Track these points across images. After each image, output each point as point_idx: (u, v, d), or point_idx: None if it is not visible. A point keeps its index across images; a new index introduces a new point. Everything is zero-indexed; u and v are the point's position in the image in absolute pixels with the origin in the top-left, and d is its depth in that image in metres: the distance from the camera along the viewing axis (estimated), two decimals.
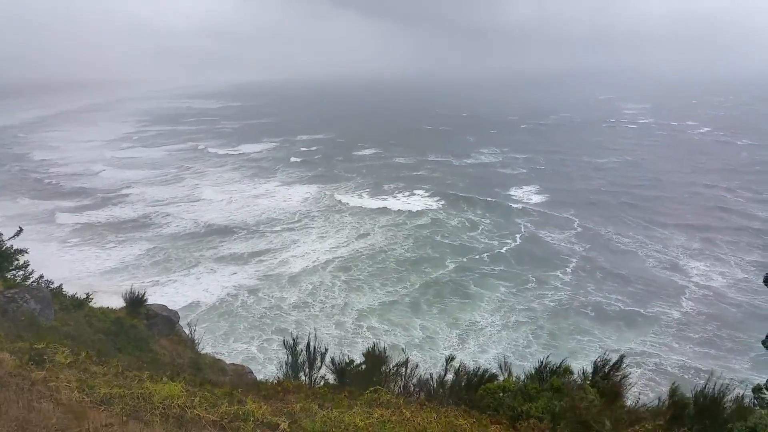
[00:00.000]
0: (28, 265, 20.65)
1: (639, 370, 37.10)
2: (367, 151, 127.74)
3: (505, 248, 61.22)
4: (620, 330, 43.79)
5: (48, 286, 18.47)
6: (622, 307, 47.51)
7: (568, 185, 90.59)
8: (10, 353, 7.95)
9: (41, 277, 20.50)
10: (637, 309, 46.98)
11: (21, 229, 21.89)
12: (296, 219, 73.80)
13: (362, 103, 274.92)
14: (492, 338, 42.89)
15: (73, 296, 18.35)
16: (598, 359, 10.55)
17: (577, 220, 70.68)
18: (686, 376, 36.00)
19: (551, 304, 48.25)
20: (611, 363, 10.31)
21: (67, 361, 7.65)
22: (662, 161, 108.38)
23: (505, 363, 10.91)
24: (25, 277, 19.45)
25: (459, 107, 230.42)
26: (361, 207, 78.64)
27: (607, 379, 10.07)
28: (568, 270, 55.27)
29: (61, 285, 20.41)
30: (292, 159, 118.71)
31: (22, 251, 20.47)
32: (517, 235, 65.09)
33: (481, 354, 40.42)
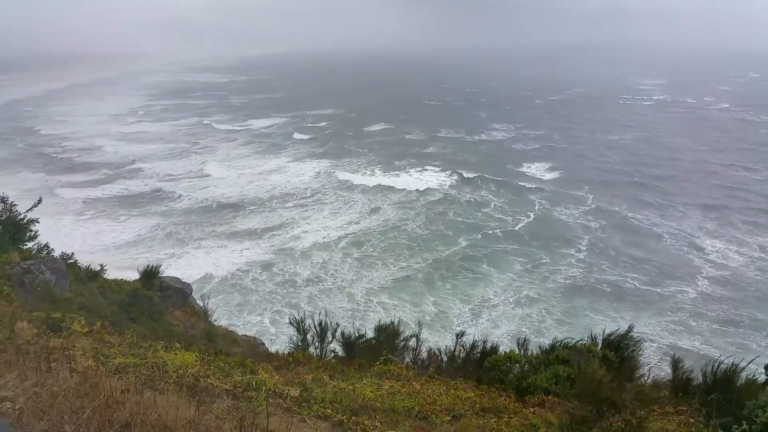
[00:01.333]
0: (38, 235, 20.90)
1: (654, 346, 36.89)
2: (377, 127, 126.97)
3: (518, 225, 60.86)
4: (637, 308, 43.46)
5: (63, 258, 18.74)
6: (638, 285, 47.17)
7: (582, 162, 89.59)
8: (28, 322, 8.11)
9: (52, 249, 20.79)
10: (652, 288, 46.56)
11: (41, 200, 22.07)
12: (307, 195, 73.77)
13: (371, 77, 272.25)
14: (505, 314, 42.95)
15: (87, 268, 18.60)
16: (606, 330, 10.53)
17: (591, 197, 70.02)
18: (703, 354, 35.90)
19: (566, 281, 48.09)
20: (620, 333, 10.27)
21: (83, 331, 7.79)
22: (678, 138, 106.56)
23: (522, 339, 10.94)
24: (40, 249, 19.72)
25: (470, 82, 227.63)
26: (372, 183, 78.34)
27: (617, 351, 10.05)
28: (582, 247, 54.95)
29: (72, 254, 20.66)
30: (302, 135, 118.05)
31: (34, 221, 20.72)
32: (531, 213, 64.61)
33: (494, 329, 40.47)
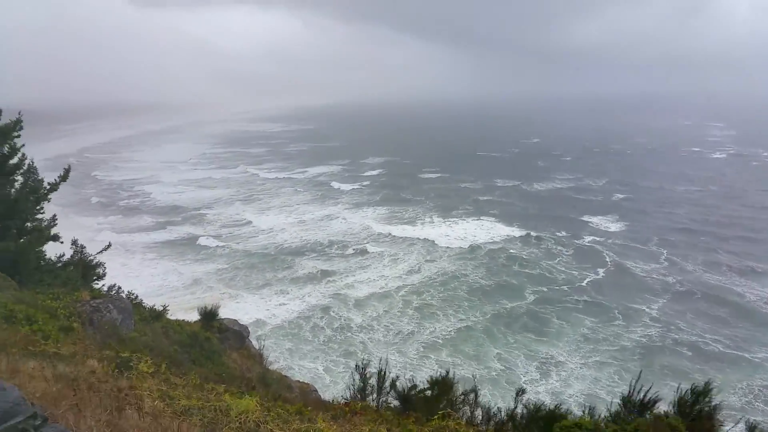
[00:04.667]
0: (105, 275, 22.00)
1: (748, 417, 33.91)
2: (432, 175, 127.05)
3: (586, 280, 58.19)
4: (724, 372, 40.22)
5: (129, 298, 19.51)
6: (722, 348, 43.81)
7: (649, 215, 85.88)
8: (98, 360, 8.40)
9: (119, 289, 21.76)
10: (738, 353, 43.08)
11: (110, 244, 23.36)
12: (365, 242, 73.78)
13: (426, 126, 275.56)
14: (574, 374, 40.58)
15: (151, 308, 19.22)
16: (681, 389, 9.85)
17: (664, 252, 66.59)
18: None
19: (640, 340, 45.31)
20: (698, 392, 9.56)
21: (150, 371, 8.00)
22: (752, 194, 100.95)
23: (590, 407, 10.39)
24: (109, 289, 20.65)
25: (527, 132, 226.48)
26: (428, 232, 77.51)
27: (694, 415, 9.36)
28: (657, 306, 51.88)
29: (137, 296, 21.54)
30: (357, 183, 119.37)
31: (101, 264, 21.86)
32: (599, 268, 61.84)
33: (565, 389, 38.45)
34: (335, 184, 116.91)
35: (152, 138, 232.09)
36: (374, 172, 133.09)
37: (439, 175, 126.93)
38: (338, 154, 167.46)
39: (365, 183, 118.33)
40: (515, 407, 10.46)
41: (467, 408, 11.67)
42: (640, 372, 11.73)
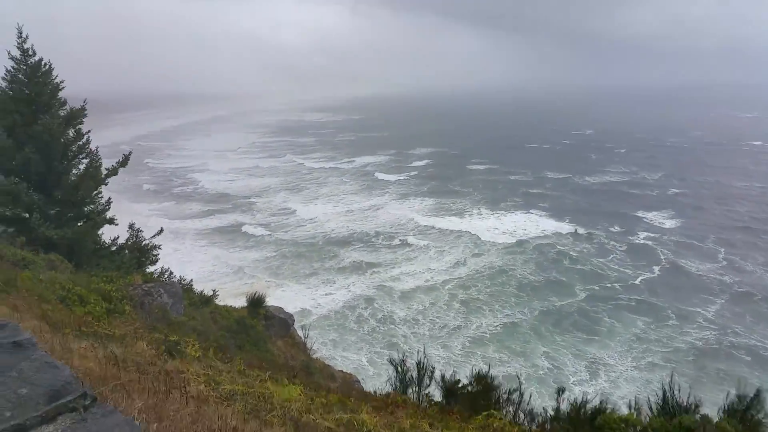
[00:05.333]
0: (158, 260, 22.73)
1: None
2: (480, 166, 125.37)
3: (639, 278, 56.24)
4: None
5: (180, 283, 20.02)
6: None
7: (706, 211, 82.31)
8: (148, 343, 8.58)
9: (172, 274, 22.42)
10: None
11: (162, 229, 24.11)
12: (411, 233, 73.54)
13: (475, 116, 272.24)
14: (624, 375, 39.48)
15: (201, 293, 19.67)
16: (732, 393, 9.41)
17: (722, 250, 63.84)
18: None
19: (696, 342, 43.55)
20: (749, 399, 9.13)
21: (197, 355, 8.12)
22: None
23: (636, 402, 10.04)
24: (161, 273, 21.31)
25: (579, 123, 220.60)
26: (476, 224, 76.60)
27: (744, 420, 8.93)
28: (714, 307, 49.76)
29: (190, 280, 22.13)
30: (405, 173, 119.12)
31: (156, 246, 22.62)
32: (654, 265, 59.69)
33: (614, 390, 37.32)
34: (382, 175, 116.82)
35: (202, 127, 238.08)
36: (422, 163, 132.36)
37: (487, 166, 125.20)
38: (386, 144, 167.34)
39: (413, 173, 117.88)
40: (558, 406, 10.20)
41: (511, 407, 11.47)
42: (672, 374, 11.28)
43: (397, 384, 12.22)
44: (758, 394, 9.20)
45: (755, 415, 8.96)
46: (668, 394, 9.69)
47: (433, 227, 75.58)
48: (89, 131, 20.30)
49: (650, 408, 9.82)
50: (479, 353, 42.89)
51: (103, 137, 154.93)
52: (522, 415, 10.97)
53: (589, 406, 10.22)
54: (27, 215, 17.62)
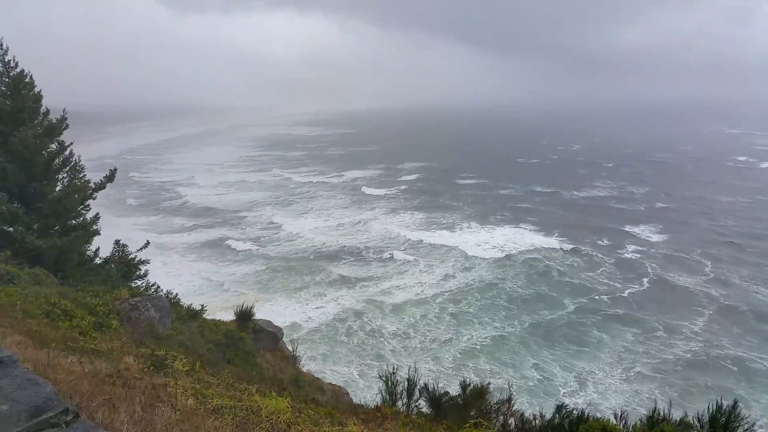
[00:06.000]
0: (147, 274, 22.55)
1: None
2: (470, 181, 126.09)
3: (627, 291, 56.62)
4: None
5: (168, 297, 19.86)
6: None
7: (693, 225, 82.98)
8: (135, 357, 8.51)
9: (157, 287, 22.25)
10: None
11: (148, 242, 23.97)
12: (401, 247, 73.47)
13: (464, 132, 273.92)
14: (612, 387, 39.62)
15: (189, 307, 19.52)
16: (711, 405, 9.52)
17: (708, 263, 64.43)
18: None
19: (684, 355, 43.76)
20: (727, 410, 9.24)
21: (184, 369, 8.07)
22: None
23: (621, 412, 10.11)
24: (147, 287, 21.14)
25: (567, 138, 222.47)
26: (466, 238, 76.75)
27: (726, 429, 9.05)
28: (702, 319, 50.12)
29: (176, 294, 21.95)
30: (395, 187, 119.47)
31: (144, 261, 22.46)
32: (643, 278, 60.23)
33: (602, 401, 37.54)
34: (372, 189, 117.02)
35: (192, 141, 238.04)
36: (411, 177, 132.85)
37: (477, 181, 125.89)
38: (376, 159, 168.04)
39: (402, 188, 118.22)
40: (552, 419, 10.23)
41: (501, 417, 11.49)
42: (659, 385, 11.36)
43: (387, 396, 12.22)
44: (734, 404, 9.36)
45: (735, 426, 9.07)
46: (655, 405, 9.78)
47: (423, 241, 75.58)
48: (71, 144, 20.17)
49: (639, 419, 9.90)
50: (471, 365, 42.92)
51: (92, 150, 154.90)
52: (512, 424, 10.99)
53: (573, 415, 10.28)
54: (11, 228, 17.39)
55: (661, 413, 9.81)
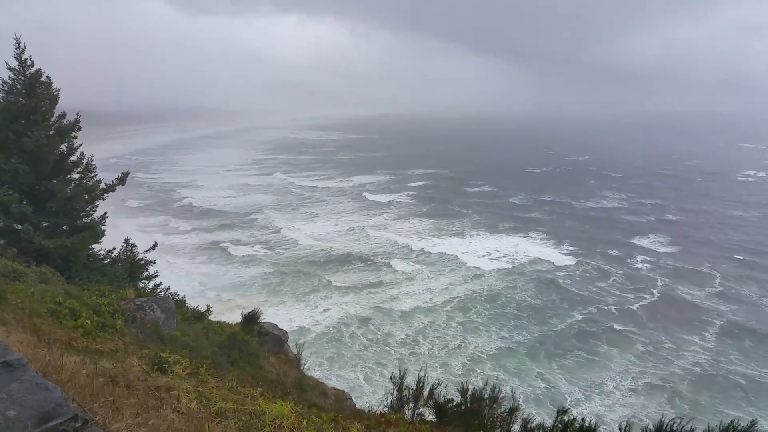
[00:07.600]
0: (156, 275, 22.56)
1: None
2: (479, 188, 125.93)
3: (636, 304, 56.15)
4: None
5: (173, 297, 19.85)
6: None
7: (702, 238, 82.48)
8: (138, 359, 8.46)
9: (168, 288, 22.25)
10: None
11: (156, 244, 24.00)
12: (409, 254, 73.26)
13: (474, 140, 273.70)
14: (620, 400, 39.23)
15: (194, 309, 19.49)
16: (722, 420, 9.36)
17: (717, 277, 63.94)
18: None
19: (693, 368, 43.37)
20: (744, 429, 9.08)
21: (187, 372, 8.01)
22: None
23: (626, 425, 9.95)
24: (154, 288, 21.15)
25: (579, 149, 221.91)
26: (476, 246, 76.52)
27: None
28: (712, 333, 49.73)
29: (183, 296, 21.96)
30: (406, 192, 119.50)
31: (151, 262, 22.47)
32: (652, 289, 59.82)
33: (608, 413, 37.21)
34: (380, 196, 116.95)
35: (202, 142, 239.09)
36: (420, 183, 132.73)
37: (486, 189, 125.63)
38: (385, 165, 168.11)
39: (411, 194, 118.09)
40: (553, 427, 10.11)
41: (504, 424, 11.38)
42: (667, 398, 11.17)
43: (394, 402, 12.12)
44: (752, 423, 9.22)
45: None
46: (662, 417, 9.65)
47: (432, 248, 75.32)
48: (80, 144, 20.22)
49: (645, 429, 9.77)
50: (478, 370, 42.80)
51: (103, 150, 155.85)
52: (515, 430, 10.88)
53: (576, 424, 10.16)
54: (19, 226, 17.41)
55: (669, 428, 9.67)
